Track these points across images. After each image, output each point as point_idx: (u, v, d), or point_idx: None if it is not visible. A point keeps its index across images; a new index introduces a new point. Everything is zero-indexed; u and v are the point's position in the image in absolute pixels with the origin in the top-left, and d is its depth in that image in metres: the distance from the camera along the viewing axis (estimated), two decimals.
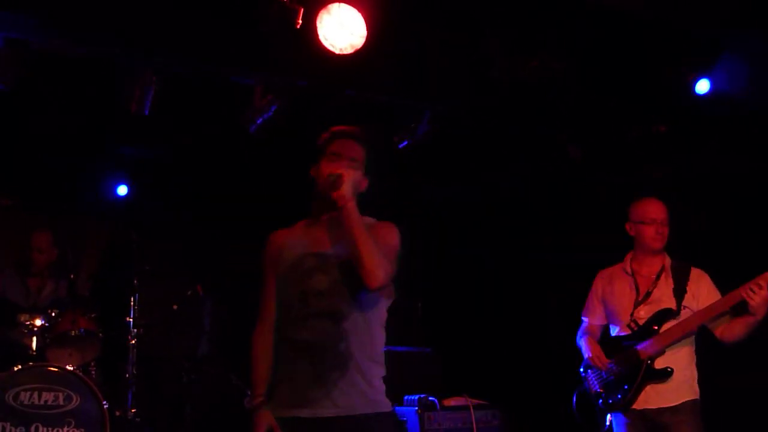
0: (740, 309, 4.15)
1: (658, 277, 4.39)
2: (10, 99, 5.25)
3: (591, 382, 4.48)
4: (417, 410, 5.59)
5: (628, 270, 4.49)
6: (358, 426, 2.87)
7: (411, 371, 6.28)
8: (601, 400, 4.39)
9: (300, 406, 2.86)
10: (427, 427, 5.63)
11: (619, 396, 4.29)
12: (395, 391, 5.91)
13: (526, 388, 6.56)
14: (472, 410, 5.74)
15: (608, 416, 4.38)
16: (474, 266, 7.39)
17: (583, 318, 4.67)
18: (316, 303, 2.92)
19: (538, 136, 6.34)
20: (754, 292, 4.01)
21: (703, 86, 5.14)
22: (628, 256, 4.54)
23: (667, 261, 4.44)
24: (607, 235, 6.22)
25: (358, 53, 4.58)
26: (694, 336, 4.31)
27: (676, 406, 4.18)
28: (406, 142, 6.06)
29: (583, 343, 4.54)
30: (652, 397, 4.22)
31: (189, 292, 5.99)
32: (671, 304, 4.30)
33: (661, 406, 4.19)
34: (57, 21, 4.62)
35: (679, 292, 4.30)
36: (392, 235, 3.06)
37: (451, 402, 5.83)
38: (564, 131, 6.20)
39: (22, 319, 5.17)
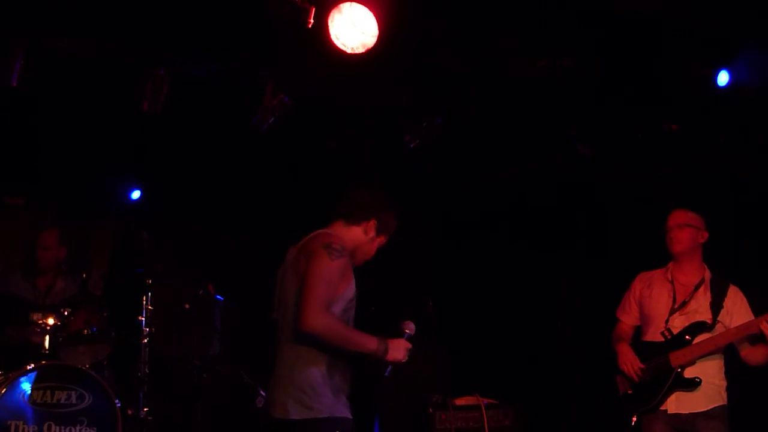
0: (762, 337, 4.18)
1: (697, 288, 4.41)
2: (21, 98, 5.27)
3: (621, 384, 4.52)
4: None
5: (668, 277, 4.51)
6: None
7: (421, 370, 6.27)
8: (629, 402, 4.44)
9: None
10: (438, 427, 5.62)
11: (647, 399, 4.34)
12: (406, 389, 5.96)
13: (536, 387, 6.54)
14: (483, 410, 5.73)
15: (633, 417, 4.41)
16: (484, 264, 7.37)
17: (618, 317, 4.71)
18: None
19: (548, 135, 6.33)
20: None
21: (723, 78, 5.04)
22: (670, 263, 4.56)
23: (707, 274, 4.46)
24: (616, 232, 6.26)
25: (369, 52, 4.57)
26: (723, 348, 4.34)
27: (707, 411, 4.25)
28: (416, 142, 6.07)
29: (617, 348, 4.57)
30: (684, 403, 4.28)
31: (201, 291, 5.99)
32: (707, 317, 4.33)
33: (693, 411, 4.26)
34: (69, 20, 4.64)
35: (716, 307, 4.33)
36: None
37: (462, 401, 5.82)
38: (574, 129, 6.18)
39: (35, 318, 5.17)
